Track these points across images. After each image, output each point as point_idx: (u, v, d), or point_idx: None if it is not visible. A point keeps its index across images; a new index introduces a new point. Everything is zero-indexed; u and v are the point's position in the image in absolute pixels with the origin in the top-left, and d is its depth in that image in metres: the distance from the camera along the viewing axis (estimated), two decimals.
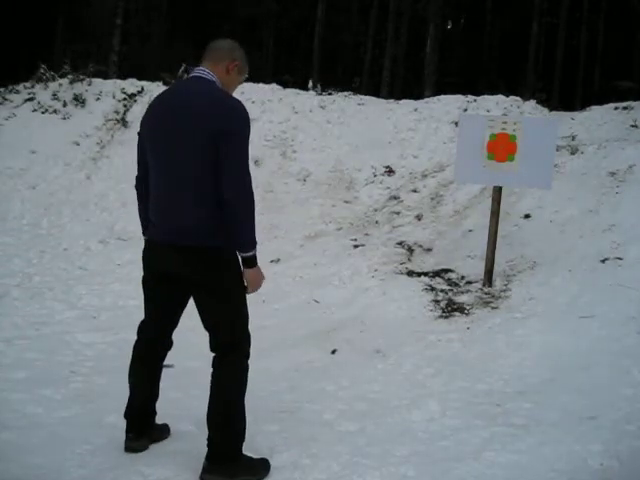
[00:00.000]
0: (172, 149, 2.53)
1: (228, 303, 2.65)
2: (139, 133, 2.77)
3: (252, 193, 2.52)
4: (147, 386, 2.92)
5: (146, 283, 2.84)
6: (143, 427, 2.90)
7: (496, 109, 8.74)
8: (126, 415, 2.89)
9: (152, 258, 2.75)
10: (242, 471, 2.65)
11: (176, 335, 4.84)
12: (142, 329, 2.96)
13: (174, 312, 2.86)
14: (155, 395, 2.96)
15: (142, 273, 2.85)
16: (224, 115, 2.48)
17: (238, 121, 2.50)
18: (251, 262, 2.56)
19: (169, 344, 2.97)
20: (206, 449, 2.65)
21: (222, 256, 2.56)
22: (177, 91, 2.70)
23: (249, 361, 2.76)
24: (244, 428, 2.70)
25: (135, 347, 2.94)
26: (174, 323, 2.91)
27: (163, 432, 3.01)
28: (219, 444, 2.63)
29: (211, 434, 2.66)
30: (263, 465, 2.75)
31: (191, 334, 4.69)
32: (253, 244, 2.55)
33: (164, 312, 2.87)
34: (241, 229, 2.50)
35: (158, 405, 3.28)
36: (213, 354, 2.76)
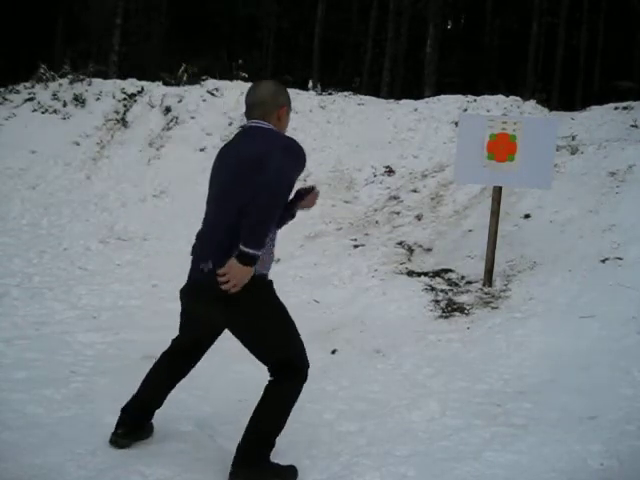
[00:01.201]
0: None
1: (264, 325, 2.68)
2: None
3: (278, 206, 2.48)
4: (158, 392, 2.94)
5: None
6: (136, 427, 2.90)
7: (496, 109, 8.75)
8: (124, 410, 2.88)
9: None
10: (269, 476, 2.65)
11: (176, 335, 4.82)
12: (175, 344, 3.00)
13: (211, 339, 2.96)
14: (161, 403, 2.96)
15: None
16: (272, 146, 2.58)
17: (287, 149, 2.56)
18: (249, 260, 2.49)
19: (197, 361, 3.02)
20: (206, 449, 2.65)
21: (253, 279, 2.56)
22: (233, 140, 2.94)
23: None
24: (275, 437, 2.68)
25: (163, 356, 2.97)
26: (209, 345, 2.98)
27: (149, 432, 3.00)
28: (247, 449, 2.63)
29: (242, 443, 2.65)
30: (291, 472, 2.73)
31: None
32: (261, 245, 2.50)
33: (199, 337, 2.95)
34: (256, 227, 2.45)
35: None
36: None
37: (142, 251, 6.93)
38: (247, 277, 2.52)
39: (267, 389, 2.69)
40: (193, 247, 2.77)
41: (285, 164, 2.49)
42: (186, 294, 2.79)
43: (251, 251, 2.48)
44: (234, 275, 2.49)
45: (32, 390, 3.41)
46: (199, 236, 2.78)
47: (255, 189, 2.42)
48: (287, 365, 2.67)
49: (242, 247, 2.47)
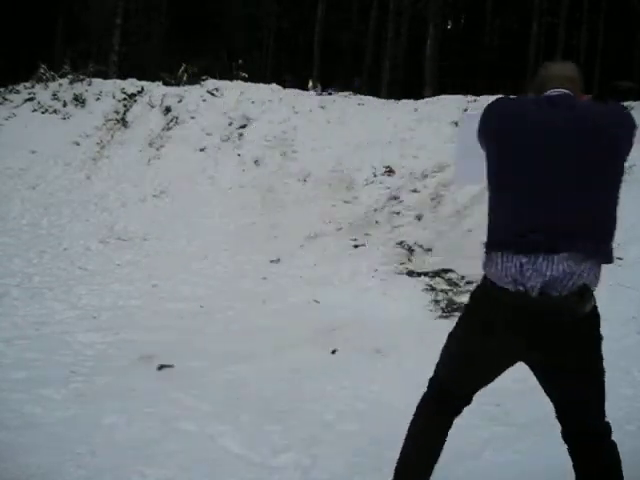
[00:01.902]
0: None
1: (599, 371, 1.97)
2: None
3: None
4: (430, 453, 2.23)
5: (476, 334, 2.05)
6: None
7: None
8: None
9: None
10: None
11: (176, 335, 4.83)
12: (439, 388, 2.24)
13: (500, 371, 2.10)
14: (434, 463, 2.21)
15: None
16: None
17: None
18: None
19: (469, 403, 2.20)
20: (206, 449, 2.63)
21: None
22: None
23: None
24: None
25: (423, 401, 2.27)
26: (490, 381, 2.13)
27: None
28: None
29: None
30: None
31: (192, 334, 4.70)
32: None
33: (487, 372, 2.11)
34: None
35: (158, 404, 3.28)
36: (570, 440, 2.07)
37: (142, 251, 6.93)
38: None
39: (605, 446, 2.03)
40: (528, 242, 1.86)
41: None
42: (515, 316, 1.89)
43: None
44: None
45: (32, 390, 3.41)
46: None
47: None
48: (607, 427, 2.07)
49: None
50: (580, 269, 1.82)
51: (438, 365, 2.25)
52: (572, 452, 2.05)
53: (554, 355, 1.91)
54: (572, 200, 1.86)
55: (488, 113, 2.07)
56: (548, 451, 2.98)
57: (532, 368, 2.04)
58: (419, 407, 2.24)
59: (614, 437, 2.06)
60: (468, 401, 2.17)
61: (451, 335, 2.16)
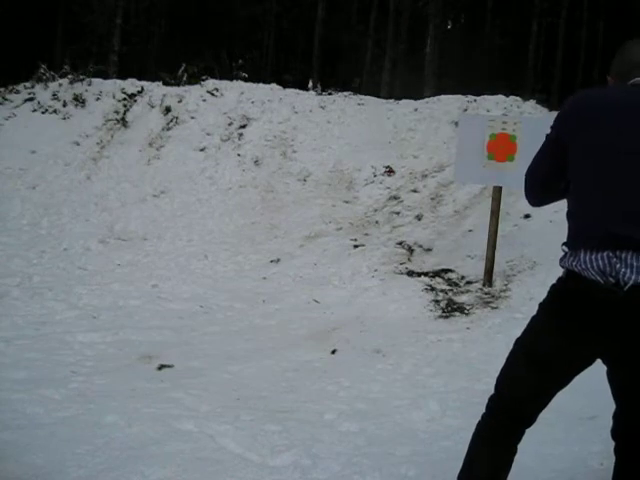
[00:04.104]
0: None
1: None
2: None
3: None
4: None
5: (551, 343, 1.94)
6: None
7: (496, 109, 8.74)
8: None
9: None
10: None
11: (176, 335, 4.84)
12: (504, 408, 2.09)
13: (569, 380, 2.01)
14: None
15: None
16: None
17: None
18: None
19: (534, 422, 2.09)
20: (206, 449, 2.64)
21: None
22: None
23: None
24: None
25: (485, 424, 2.14)
26: (563, 387, 2.03)
27: None
28: None
29: None
30: None
31: (192, 334, 4.70)
32: None
33: (558, 387, 2.01)
34: None
35: (158, 404, 3.28)
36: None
37: (142, 251, 6.93)
38: None
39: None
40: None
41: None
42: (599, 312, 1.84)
43: None
44: None
45: (32, 390, 3.41)
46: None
47: None
48: None
49: None
50: None
51: (503, 383, 2.10)
52: (620, 451, 2.02)
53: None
54: None
55: (573, 108, 2.00)
56: (548, 451, 2.98)
57: (611, 367, 1.98)
58: (483, 433, 2.12)
59: None
60: (534, 420, 2.08)
61: (522, 343, 2.05)
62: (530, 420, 2.06)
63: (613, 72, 2.09)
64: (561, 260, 1.95)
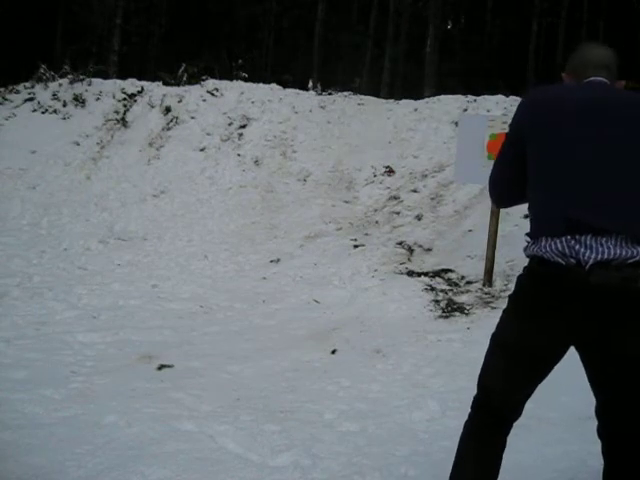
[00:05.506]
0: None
1: None
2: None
3: None
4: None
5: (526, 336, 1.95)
6: None
7: (496, 109, 8.74)
8: None
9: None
10: None
11: (176, 335, 4.83)
12: (487, 404, 2.12)
13: (548, 372, 2.06)
14: None
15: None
16: None
17: None
18: None
19: (519, 415, 2.11)
20: (206, 449, 2.64)
21: None
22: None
23: None
24: None
25: (471, 423, 2.16)
26: (544, 377, 2.07)
27: None
28: None
29: None
30: None
31: (192, 334, 4.70)
32: None
33: (536, 376, 2.06)
34: None
35: (158, 404, 3.28)
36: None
37: (142, 251, 6.93)
38: None
39: None
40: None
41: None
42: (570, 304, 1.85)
43: None
44: None
45: (32, 390, 3.41)
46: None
47: None
48: None
49: None
50: (631, 250, 1.81)
51: (483, 378, 2.13)
52: (607, 453, 1.99)
53: (612, 333, 1.84)
54: (620, 184, 1.86)
55: (525, 108, 2.04)
56: (548, 451, 2.99)
57: (584, 354, 1.97)
58: (469, 432, 2.13)
59: None
60: (519, 413, 2.08)
61: (495, 335, 2.05)
62: (513, 413, 2.07)
63: (569, 69, 2.14)
64: (525, 250, 1.98)
